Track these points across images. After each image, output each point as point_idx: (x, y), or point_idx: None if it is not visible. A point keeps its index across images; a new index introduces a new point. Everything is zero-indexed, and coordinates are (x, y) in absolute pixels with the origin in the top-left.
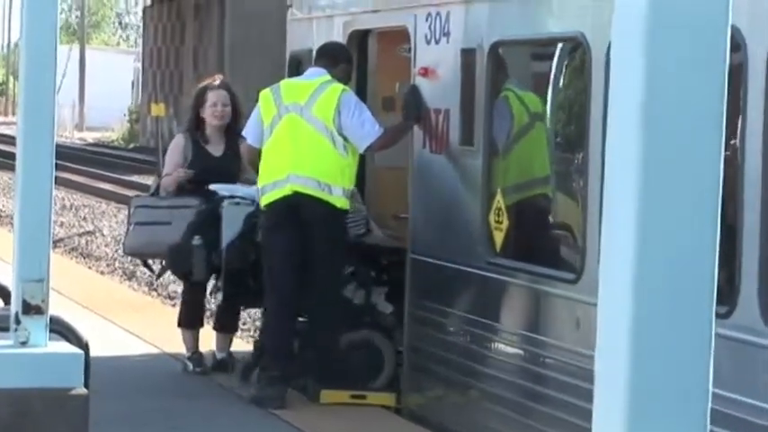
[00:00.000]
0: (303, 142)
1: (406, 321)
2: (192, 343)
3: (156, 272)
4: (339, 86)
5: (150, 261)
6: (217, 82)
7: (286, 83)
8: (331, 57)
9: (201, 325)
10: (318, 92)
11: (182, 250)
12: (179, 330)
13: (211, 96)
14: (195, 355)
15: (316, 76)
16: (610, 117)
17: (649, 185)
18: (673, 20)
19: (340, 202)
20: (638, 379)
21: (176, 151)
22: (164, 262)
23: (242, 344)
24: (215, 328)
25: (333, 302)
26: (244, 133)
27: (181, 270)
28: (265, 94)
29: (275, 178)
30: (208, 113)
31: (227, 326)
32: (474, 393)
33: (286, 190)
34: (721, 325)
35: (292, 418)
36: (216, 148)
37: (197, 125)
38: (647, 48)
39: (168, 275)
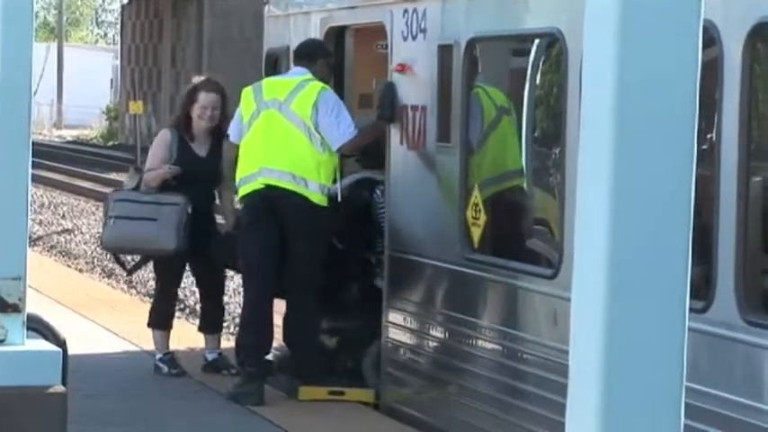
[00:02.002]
0: (278, 136)
1: (383, 317)
2: (165, 344)
3: (129, 268)
4: (319, 84)
5: (123, 257)
6: (210, 84)
7: (268, 80)
8: (308, 54)
9: (171, 326)
10: (299, 89)
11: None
12: (150, 330)
13: (202, 98)
14: (168, 356)
15: (297, 74)
16: (582, 113)
17: (622, 181)
18: (645, 14)
19: (316, 197)
20: (612, 374)
21: (162, 147)
22: (138, 258)
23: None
24: (201, 330)
25: (310, 298)
26: (228, 131)
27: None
28: (247, 91)
29: (249, 172)
30: (196, 114)
31: (213, 326)
32: (452, 389)
33: (257, 183)
34: (698, 320)
35: (270, 414)
36: (201, 148)
37: (186, 123)
38: (620, 43)
39: (140, 272)
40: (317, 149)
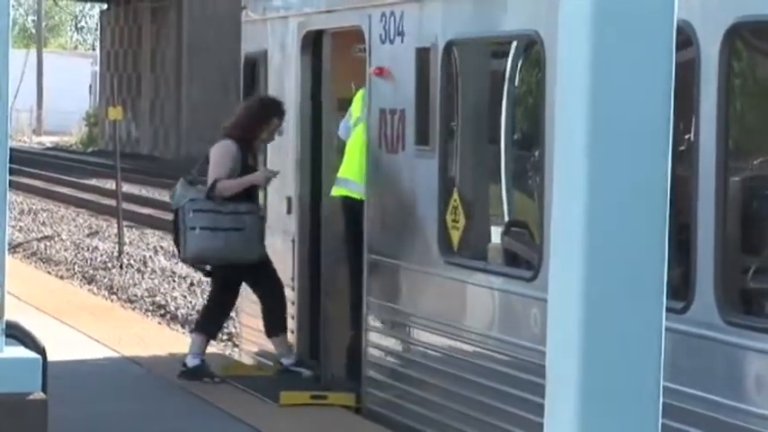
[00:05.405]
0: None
1: (364, 321)
2: (204, 350)
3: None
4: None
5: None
6: (283, 108)
7: None
8: None
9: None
10: None
11: None
12: (194, 336)
13: (277, 123)
14: (206, 364)
15: None
16: (557, 115)
17: (598, 183)
18: (618, 18)
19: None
20: (590, 375)
21: (230, 158)
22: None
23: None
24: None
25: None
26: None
27: None
28: (362, 91)
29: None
30: (267, 133)
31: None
32: (433, 392)
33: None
34: (678, 320)
35: (252, 419)
36: (251, 158)
37: (251, 137)
38: (593, 45)
39: (120, 279)
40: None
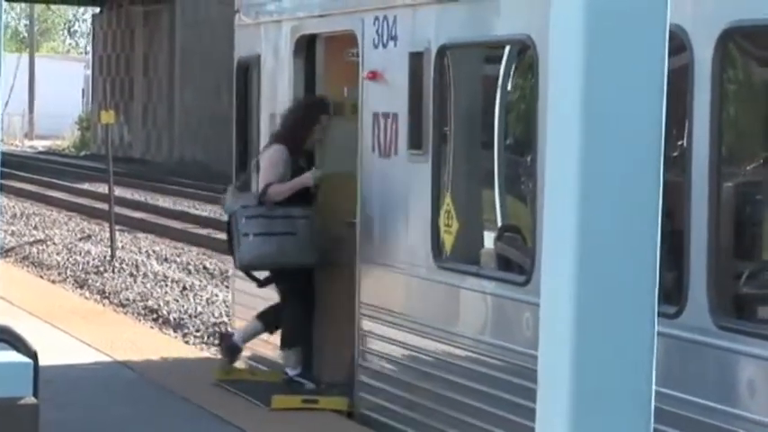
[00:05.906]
0: None
1: (356, 326)
2: (300, 359)
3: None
4: None
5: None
6: (328, 104)
7: None
8: None
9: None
10: None
11: None
12: (284, 353)
13: (325, 120)
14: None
15: None
16: (549, 118)
17: (590, 188)
18: (610, 21)
19: None
20: (581, 380)
21: (282, 163)
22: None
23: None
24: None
25: None
26: None
27: None
28: None
29: None
30: (317, 133)
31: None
32: (426, 397)
33: None
34: (671, 325)
35: (244, 423)
36: (303, 161)
37: (301, 141)
38: (585, 47)
39: (111, 282)
40: None
